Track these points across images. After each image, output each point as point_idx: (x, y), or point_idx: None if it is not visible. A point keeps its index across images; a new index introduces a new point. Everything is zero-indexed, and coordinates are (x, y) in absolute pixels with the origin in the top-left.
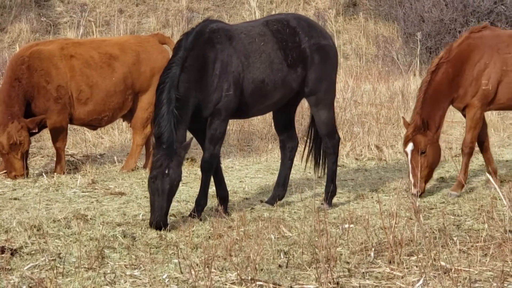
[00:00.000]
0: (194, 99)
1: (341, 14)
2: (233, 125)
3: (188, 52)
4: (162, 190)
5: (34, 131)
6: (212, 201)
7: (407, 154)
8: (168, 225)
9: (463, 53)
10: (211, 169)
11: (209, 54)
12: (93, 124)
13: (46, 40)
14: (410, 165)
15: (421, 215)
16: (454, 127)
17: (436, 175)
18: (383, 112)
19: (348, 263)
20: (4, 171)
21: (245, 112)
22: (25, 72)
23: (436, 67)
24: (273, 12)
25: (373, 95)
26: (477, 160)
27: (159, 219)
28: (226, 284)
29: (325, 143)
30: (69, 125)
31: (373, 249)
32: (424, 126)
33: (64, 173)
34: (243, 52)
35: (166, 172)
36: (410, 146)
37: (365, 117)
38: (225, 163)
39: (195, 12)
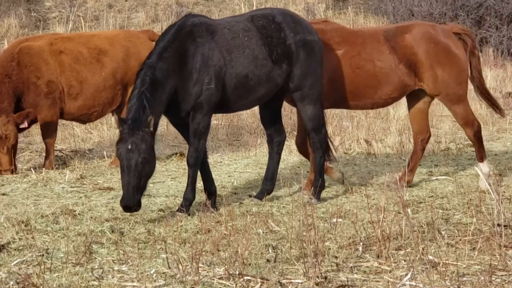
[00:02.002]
0: (172, 87)
1: (330, 8)
2: (222, 119)
3: (169, 43)
4: (127, 166)
5: (22, 126)
6: (201, 196)
7: None
8: (140, 206)
9: None
10: (197, 164)
11: (190, 47)
12: (83, 119)
13: (35, 36)
14: None
15: (409, 209)
16: (443, 121)
17: (424, 169)
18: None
19: (336, 257)
20: None
21: (229, 106)
22: (15, 68)
23: None
24: (263, 6)
25: None
26: (466, 154)
27: (126, 197)
28: (213, 279)
29: (312, 138)
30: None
31: (361, 243)
32: None
33: (52, 168)
34: (226, 47)
35: (129, 147)
36: None
37: (354, 112)
38: (213, 158)
39: (184, 7)
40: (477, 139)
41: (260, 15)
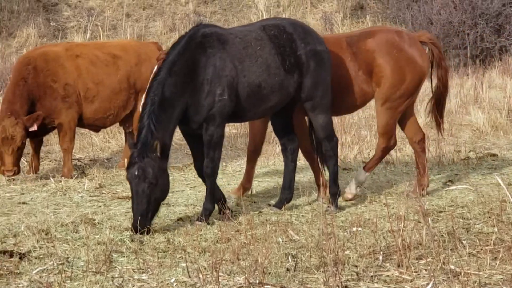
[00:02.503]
0: (182, 103)
1: (348, 17)
2: (241, 128)
3: (179, 56)
4: (135, 192)
5: (32, 129)
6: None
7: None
8: (148, 229)
9: None
10: (214, 174)
11: (200, 58)
12: (98, 124)
13: (51, 44)
14: (147, 88)
15: (429, 219)
16: (462, 130)
17: (444, 178)
18: None
19: (356, 266)
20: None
21: (241, 115)
22: (31, 72)
23: None
24: (280, 15)
25: None
26: (486, 163)
27: (138, 222)
28: None
29: (325, 146)
30: (76, 129)
31: (381, 252)
32: None
33: (71, 175)
34: (238, 56)
35: (136, 173)
36: (155, 69)
37: (373, 120)
38: (232, 167)
39: (202, 16)
40: (383, 153)
41: (271, 25)
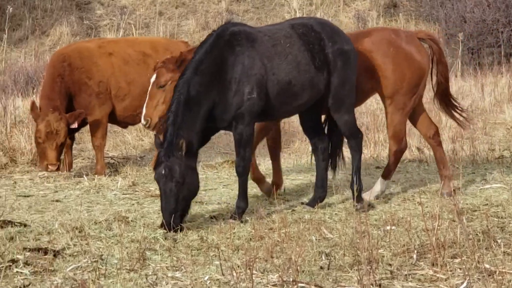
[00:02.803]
0: (209, 102)
1: (381, 16)
2: None
3: (206, 54)
4: (163, 191)
5: (73, 126)
6: (252, 203)
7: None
8: (181, 227)
9: None
10: (246, 172)
11: (228, 57)
12: (128, 121)
13: (83, 40)
14: (148, 96)
15: (464, 217)
16: (497, 128)
17: (478, 177)
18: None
19: (390, 265)
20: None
21: (271, 113)
22: (66, 69)
23: None
24: (313, 14)
25: None
26: None
27: (166, 220)
28: (267, 286)
29: (350, 143)
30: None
31: (415, 251)
32: (177, 63)
33: (104, 172)
34: (266, 54)
35: (163, 172)
36: (153, 77)
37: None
38: (265, 165)
39: (234, 14)
40: (396, 157)
41: (299, 23)
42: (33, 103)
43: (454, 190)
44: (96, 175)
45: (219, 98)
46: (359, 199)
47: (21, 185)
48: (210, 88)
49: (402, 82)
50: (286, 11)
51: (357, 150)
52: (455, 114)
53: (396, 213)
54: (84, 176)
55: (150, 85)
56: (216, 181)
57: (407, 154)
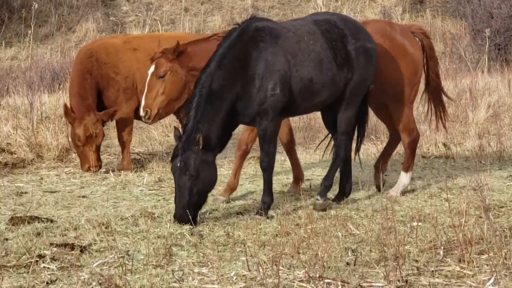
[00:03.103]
0: (231, 97)
1: (407, 11)
2: (299, 122)
3: (229, 49)
4: (177, 184)
5: (106, 123)
6: (278, 199)
7: (147, 76)
8: (192, 221)
9: None
10: (270, 167)
11: (252, 52)
12: None
13: (109, 36)
14: (146, 87)
15: (491, 214)
16: None
17: (505, 173)
18: (451, 110)
19: (417, 261)
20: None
21: (292, 110)
22: (94, 64)
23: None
24: (338, 11)
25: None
26: None
27: (178, 213)
28: (294, 282)
29: (340, 140)
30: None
31: (442, 247)
32: (175, 53)
33: (131, 168)
34: (290, 51)
35: (178, 165)
36: (151, 68)
37: (432, 115)
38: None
39: (260, 10)
40: (411, 148)
41: (322, 20)
42: (66, 107)
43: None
44: (122, 171)
45: (242, 93)
46: (322, 194)
47: (47, 181)
48: (232, 82)
49: (400, 74)
50: (311, 7)
51: (343, 149)
52: (439, 113)
53: (422, 209)
54: (110, 172)
55: (149, 76)
56: (242, 177)
57: (433, 151)
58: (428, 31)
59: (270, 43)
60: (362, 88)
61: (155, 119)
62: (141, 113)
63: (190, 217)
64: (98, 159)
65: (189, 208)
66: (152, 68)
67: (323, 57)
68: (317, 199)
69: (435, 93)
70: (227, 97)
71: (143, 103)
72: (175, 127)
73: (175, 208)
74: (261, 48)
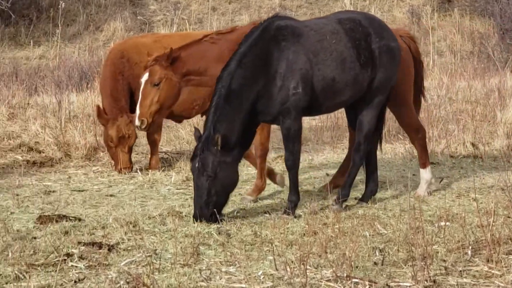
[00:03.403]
0: (252, 96)
1: (435, 11)
2: (327, 121)
3: (250, 48)
4: (196, 184)
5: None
6: (307, 199)
7: (140, 85)
8: (215, 219)
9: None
10: (295, 166)
11: (273, 51)
12: (184, 115)
13: (138, 35)
14: (140, 96)
15: None
16: None
17: None
18: (479, 109)
19: (444, 261)
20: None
21: (314, 109)
22: (126, 65)
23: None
24: (366, 10)
25: (468, 92)
26: None
27: (195, 213)
28: (321, 281)
29: (357, 145)
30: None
31: (470, 247)
32: (169, 59)
33: (159, 168)
34: (312, 49)
35: (196, 165)
36: (145, 75)
37: (460, 114)
38: (318, 160)
39: (288, 10)
40: (421, 145)
41: (347, 18)
42: (99, 108)
43: None
44: (150, 170)
45: (263, 92)
46: (337, 201)
47: (75, 180)
48: (253, 81)
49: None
50: (339, 6)
51: (361, 158)
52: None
53: (450, 209)
54: (138, 171)
55: (143, 84)
56: None
57: (461, 150)
58: (456, 30)
59: (291, 42)
60: (386, 87)
61: (150, 128)
62: (137, 122)
63: (208, 217)
64: (130, 161)
65: (207, 208)
66: (146, 75)
67: (345, 56)
68: (332, 205)
69: (416, 96)
70: (247, 96)
71: (138, 112)
72: (195, 127)
73: (194, 208)
74: (283, 46)
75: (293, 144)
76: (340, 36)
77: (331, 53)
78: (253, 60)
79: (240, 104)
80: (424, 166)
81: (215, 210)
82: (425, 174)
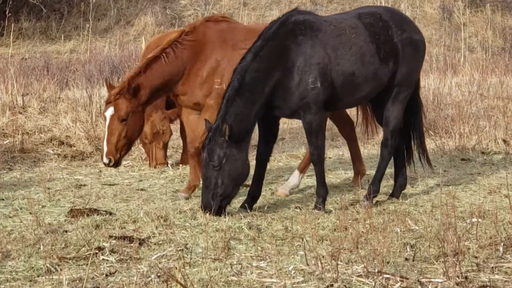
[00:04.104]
0: (267, 86)
1: (467, 6)
2: (357, 117)
3: (267, 41)
4: (204, 174)
5: (174, 121)
6: (334, 193)
7: (105, 119)
8: (217, 212)
9: (196, 45)
10: (321, 160)
11: (291, 45)
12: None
13: (171, 31)
14: (106, 131)
15: None
16: None
17: None
18: (510, 106)
19: (476, 257)
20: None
21: (334, 104)
22: None
23: (171, 44)
24: (397, 6)
25: (499, 88)
26: None
27: (203, 202)
28: (352, 277)
29: (384, 141)
30: None
31: (502, 243)
32: (130, 91)
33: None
34: (330, 44)
35: (205, 156)
36: (110, 110)
37: (492, 111)
38: (348, 156)
39: (318, 5)
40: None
41: (367, 12)
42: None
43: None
44: (181, 165)
45: (279, 86)
46: (368, 197)
47: (106, 174)
48: (267, 75)
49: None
50: (370, 1)
51: (390, 153)
52: None
53: (482, 206)
54: (169, 165)
55: (108, 119)
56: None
57: (493, 147)
58: (488, 26)
59: (309, 36)
60: (410, 81)
61: (120, 163)
62: (104, 160)
63: (216, 209)
64: (165, 157)
65: (213, 198)
66: (111, 110)
67: (365, 51)
68: (362, 201)
69: None
70: (260, 90)
71: (105, 149)
72: (205, 119)
73: (202, 196)
74: (300, 40)
75: (316, 139)
76: (360, 30)
77: (350, 47)
78: (269, 54)
79: (253, 97)
80: (302, 171)
81: (223, 202)
82: (296, 178)
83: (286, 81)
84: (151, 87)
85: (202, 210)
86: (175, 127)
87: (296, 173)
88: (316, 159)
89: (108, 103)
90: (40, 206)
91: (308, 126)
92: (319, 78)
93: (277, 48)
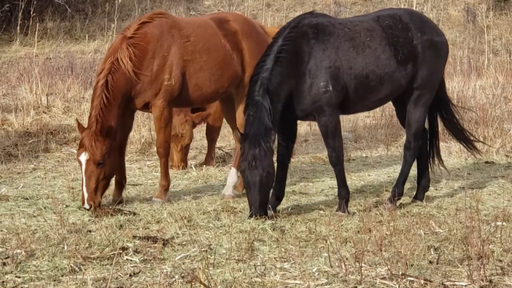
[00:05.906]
0: (286, 92)
1: (491, 9)
2: (381, 119)
3: (284, 46)
4: (253, 183)
5: (198, 126)
6: (361, 196)
7: (80, 164)
8: (266, 212)
9: (139, 45)
10: (339, 162)
11: (304, 48)
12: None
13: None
14: (83, 176)
15: None
16: None
17: None
18: None
19: (500, 261)
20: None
21: (349, 107)
22: None
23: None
24: (420, 8)
25: None
26: None
27: (256, 213)
28: (376, 279)
29: (407, 143)
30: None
31: None
32: (103, 133)
33: (213, 163)
34: (343, 48)
35: (254, 164)
36: (84, 155)
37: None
38: (372, 158)
39: (342, 7)
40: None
41: (386, 15)
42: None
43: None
44: (205, 166)
45: (295, 89)
46: (391, 200)
47: (130, 174)
48: (287, 79)
49: None
50: (394, 3)
51: (413, 155)
52: None
53: (506, 209)
54: (192, 166)
55: (84, 163)
56: (323, 173)
57: None
58: None
59: (321, 40)
60: (432, 84)
61: (100, 203)
62: (86, 206)
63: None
64: (183, 160)
65: (263, 206)
66: (85, 155)
67: (380, 54)
68: (386, 203)
69: None
70: (283, 95)
71: (85, 195)
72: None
73: (254, 210)
74: (312, 44)
75: (333, 140)
76: (376, 33)
77: (363, 50)
78: (288, 58)
79: (277, 104)
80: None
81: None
82: (233, 175)
83: (300, 84)
84: (118, 116)
85: (254, 217)
86: (198, 129)
87: (233, 170)
88: (334, 161)
89: (81, 147)
90: (64, 206)
91: (323, 128)
92: (330, 81)
93: (291, 52)
